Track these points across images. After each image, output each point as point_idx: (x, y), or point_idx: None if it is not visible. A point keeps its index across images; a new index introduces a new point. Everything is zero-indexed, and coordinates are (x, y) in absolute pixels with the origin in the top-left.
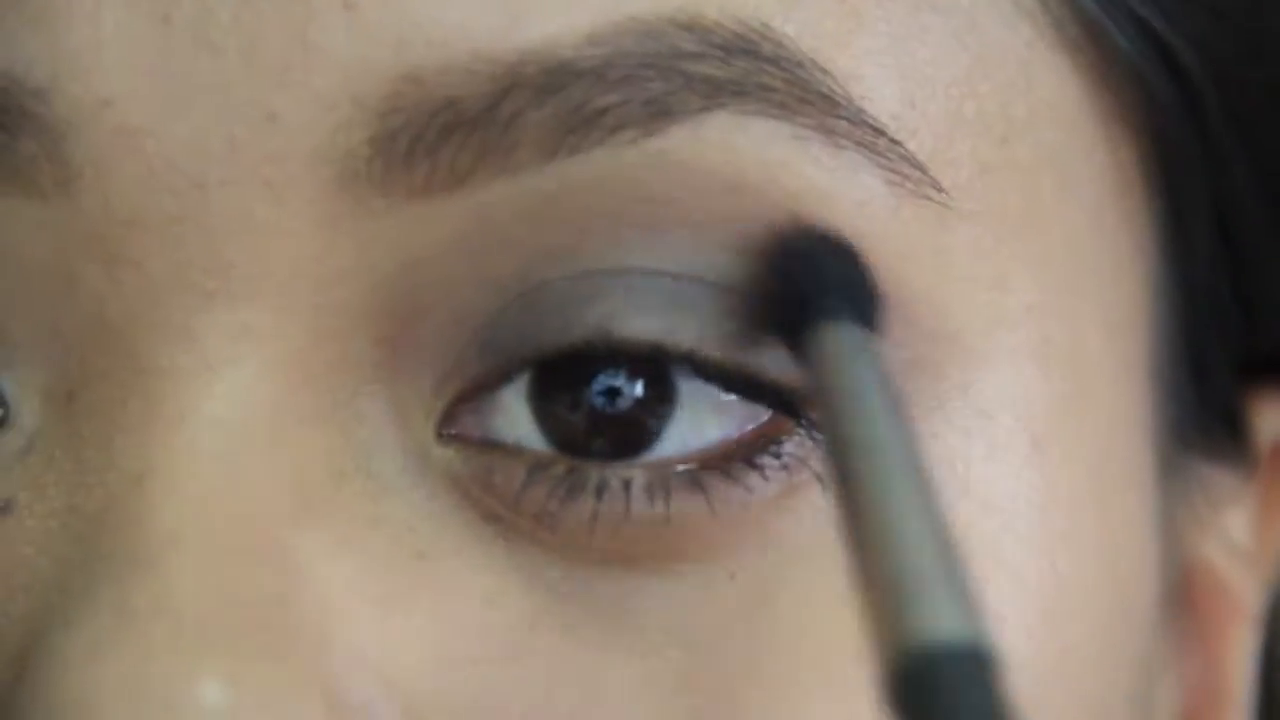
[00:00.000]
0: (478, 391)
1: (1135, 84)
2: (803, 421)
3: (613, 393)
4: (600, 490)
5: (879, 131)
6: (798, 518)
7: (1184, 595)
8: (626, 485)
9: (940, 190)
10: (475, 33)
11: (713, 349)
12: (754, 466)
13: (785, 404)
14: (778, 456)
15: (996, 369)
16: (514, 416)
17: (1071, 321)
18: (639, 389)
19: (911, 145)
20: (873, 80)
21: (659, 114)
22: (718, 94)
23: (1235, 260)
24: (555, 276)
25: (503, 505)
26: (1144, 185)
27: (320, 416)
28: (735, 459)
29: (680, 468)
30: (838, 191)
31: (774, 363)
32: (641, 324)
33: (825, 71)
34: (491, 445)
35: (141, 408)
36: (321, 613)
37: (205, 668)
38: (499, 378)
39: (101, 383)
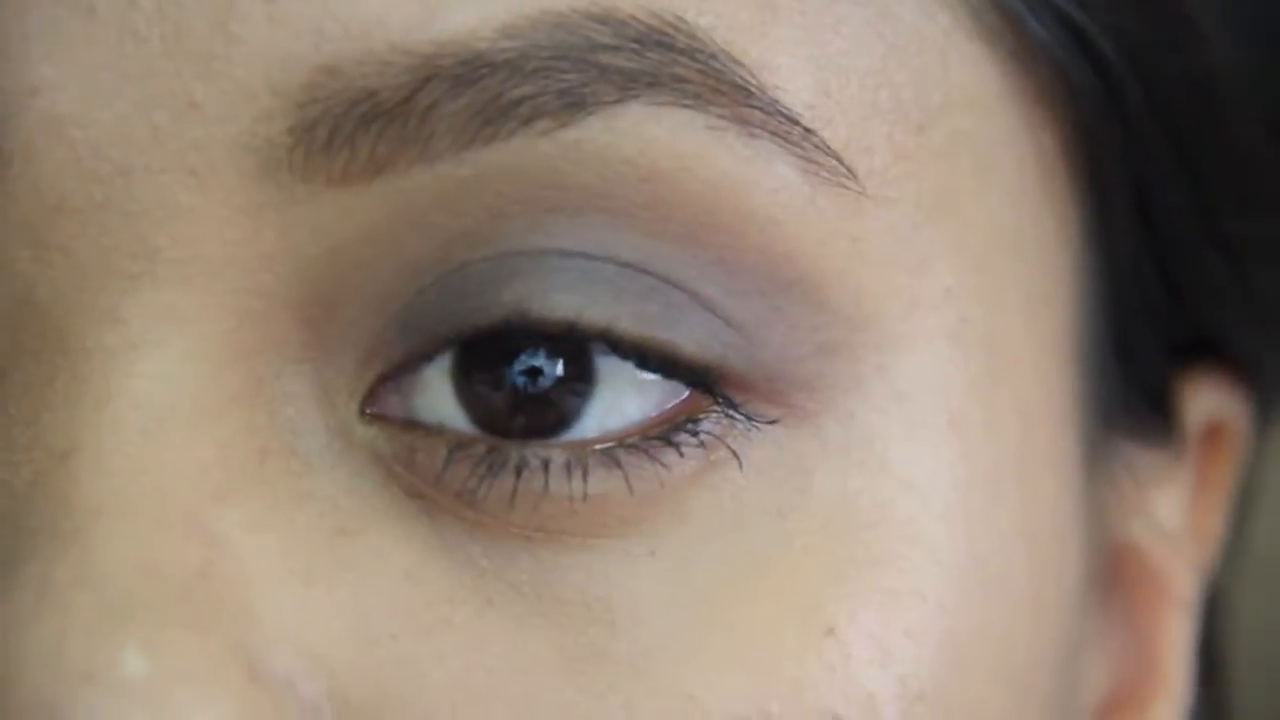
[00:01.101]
0: (399, 371)
1: (1055, 71)
2: (720, 400)
3: (533, 372)
4: (520, 469)
5: (793, 121)
6: (715, 494)
7: (1111, 577)
8: (545, 464)
9: (854, 178)
10: (392, 25)
11: (629, 326)
12: (671, 444)
13: (703, 382)
14: (695, 434)
15: (914, 350)
16: (437, 396)
17: (990, 303)
18: (559, 368)
19: (826, 134)
20: (787, 70)
21: (573, 105)
22: (631, 86)
23: (1160, 243)
24: (474, 258)
25: (425, 483)
26: (1068, 170)
27: (246, 395)
28: (653, 437)
29: (598, 446)
30: (752, 180)
31: (691, 341)
32: (558, 302)
33: (739, 63)
34: (413, 425)
35: (68, 386)
36: (244, 586)
37: (125, 639)
38: (420, 357)
39: (31, 362)
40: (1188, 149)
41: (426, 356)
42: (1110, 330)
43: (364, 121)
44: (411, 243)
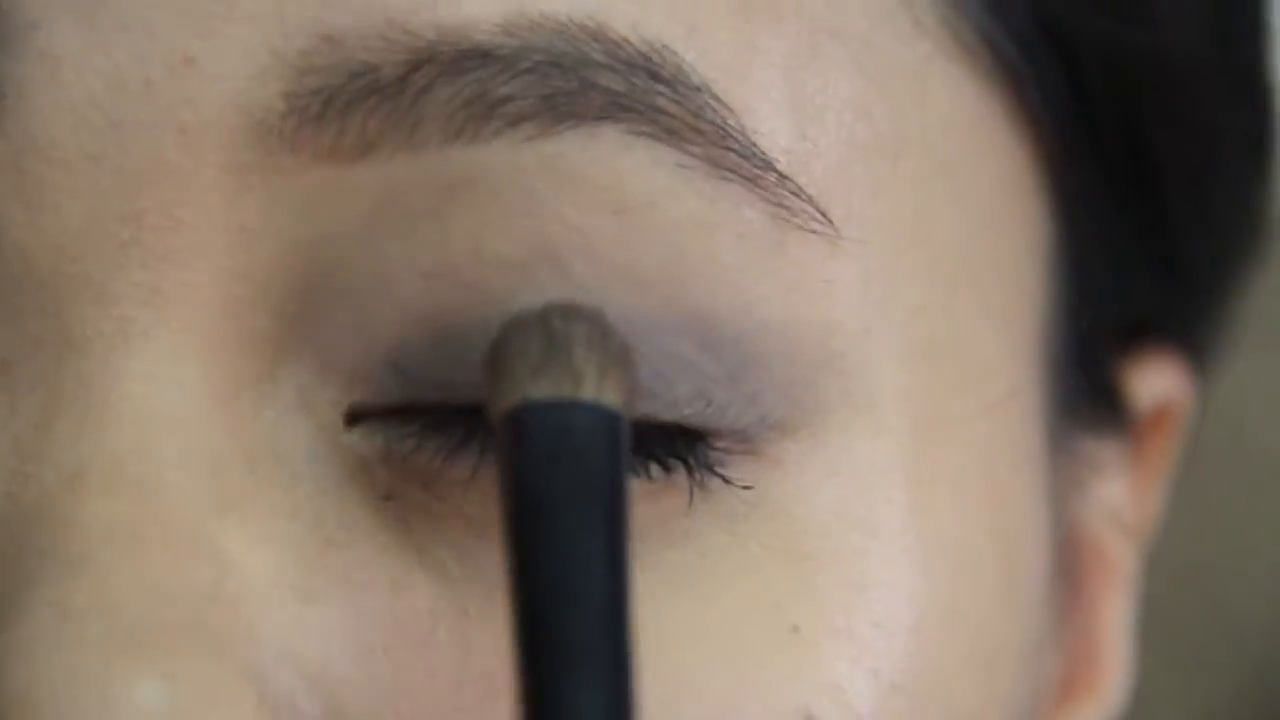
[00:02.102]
0: (389, 412)
1: (1029, 84)
2: (693, 456)
3: None
4: (484, 449)
5: (768, 165)
6: (662, 511)
7: (1069, 563)
8: None
9: (828, 223)
10: (396, 4)
11: None
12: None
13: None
14: (666, 470)
15: (879, 369)
16: None
17: (960, 319)
18: None
19: (803, 179)
20: (765, 114)
21: (556, 114)
22: (612, 107)
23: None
24: (464, 322)
25: (397, 476)
26: (1038, 182)
27: (228, 398)
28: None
29: None
30: (718, 223)
31: (671, 410)
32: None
33: (720, 101)
34: (394, 413)
35: (76, 389)
36: (248, 606)
37: (143, 666)
38: (410, 401)
39: (34, 352)
40: (1140, 130)
41: (416, 401)
42: (1069, 327)
43: (359, 96)
44: (393, 261)
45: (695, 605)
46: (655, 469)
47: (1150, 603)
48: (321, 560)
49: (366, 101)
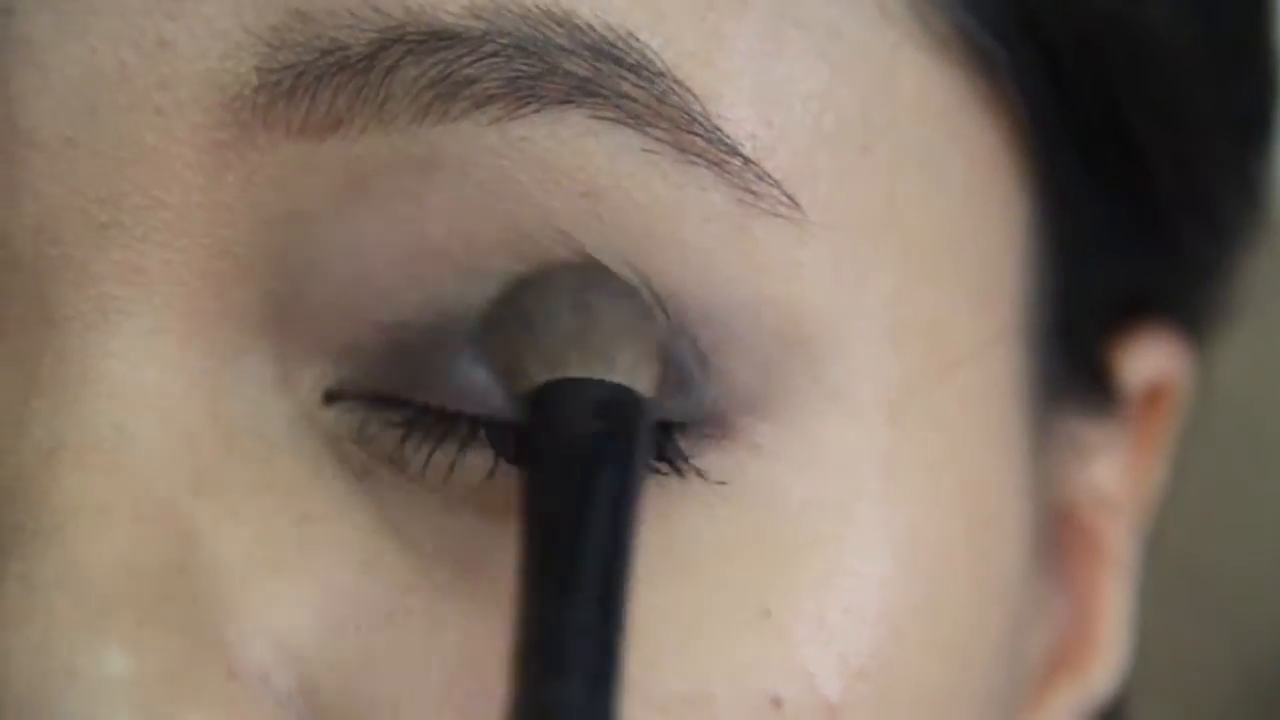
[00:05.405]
0: (367, 396)
1: (1003, 69)
2: (668, 441)
3: None
4: (464, 447)
5: (733, 150)
6: (654, 490)
7: (1054, 544)
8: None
9: (795, 207)
10: None
11: None
12: None
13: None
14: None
15: (850, 354)
16: None
17: (932, 303)
18: None
19: (769, 165)
20: (730, 100)
21: (521, 97)
22: (576, 91)
23: (1094, 208)
24: (456, 308)
25: (371, 457)
26: (1012, 164)
27: (208, 375)
28: None
29: None
30: (683, 207)
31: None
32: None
33: (684, 87)
34: (372, 398)
35: (54, 368)
36: (219, 579)
37: (109, 638)
38: (393, 387)
39: (16, 330)
40: (1118, 111)
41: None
42: (1055, 310)
43: (329, 72)
44: (372, 241)
45: (670, 587)
46: None
47: (1148, 594)
48: (294, 535)
49: (336, 78)
